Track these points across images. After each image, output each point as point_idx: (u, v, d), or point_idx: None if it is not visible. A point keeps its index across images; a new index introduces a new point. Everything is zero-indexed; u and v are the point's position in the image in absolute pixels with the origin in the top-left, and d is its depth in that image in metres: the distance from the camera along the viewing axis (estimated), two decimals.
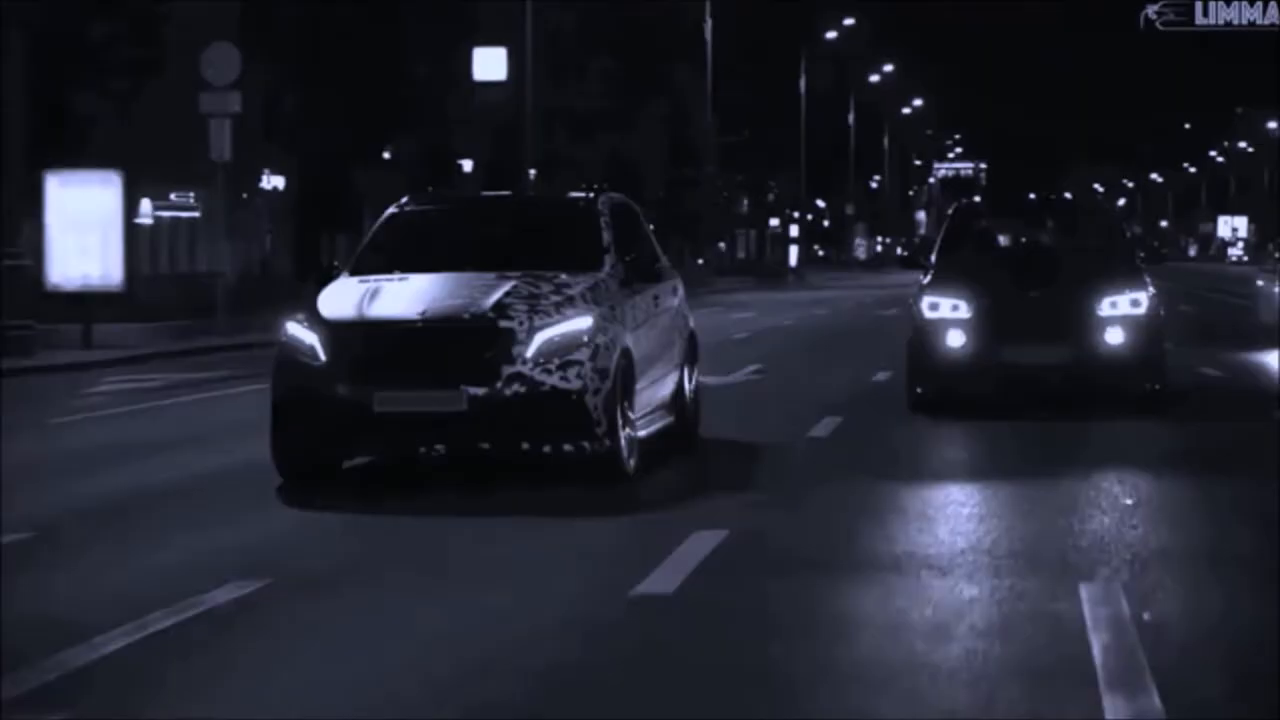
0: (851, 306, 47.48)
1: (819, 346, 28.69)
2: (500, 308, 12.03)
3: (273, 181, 52.37)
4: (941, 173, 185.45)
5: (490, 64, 50.61)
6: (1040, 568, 9.11)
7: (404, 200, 14.26)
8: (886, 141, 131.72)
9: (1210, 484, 12.32)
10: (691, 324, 15.07)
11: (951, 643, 7.49)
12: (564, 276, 12.52)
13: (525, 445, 11.83)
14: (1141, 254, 18.69)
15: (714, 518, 10.69)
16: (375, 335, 12.08)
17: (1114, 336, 16.50)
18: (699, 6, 71.35)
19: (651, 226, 15.19)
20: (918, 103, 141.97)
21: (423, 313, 12.03)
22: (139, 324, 30.42)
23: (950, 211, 19.88)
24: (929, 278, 17.30)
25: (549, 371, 11.79)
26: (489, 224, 14.12)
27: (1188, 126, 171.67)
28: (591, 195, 14.02)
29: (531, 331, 11.88)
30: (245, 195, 48.98)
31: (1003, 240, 19.75)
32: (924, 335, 16.78)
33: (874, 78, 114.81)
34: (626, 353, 12.42)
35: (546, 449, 11.85)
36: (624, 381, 12.35)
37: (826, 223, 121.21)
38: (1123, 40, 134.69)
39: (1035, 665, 7.16)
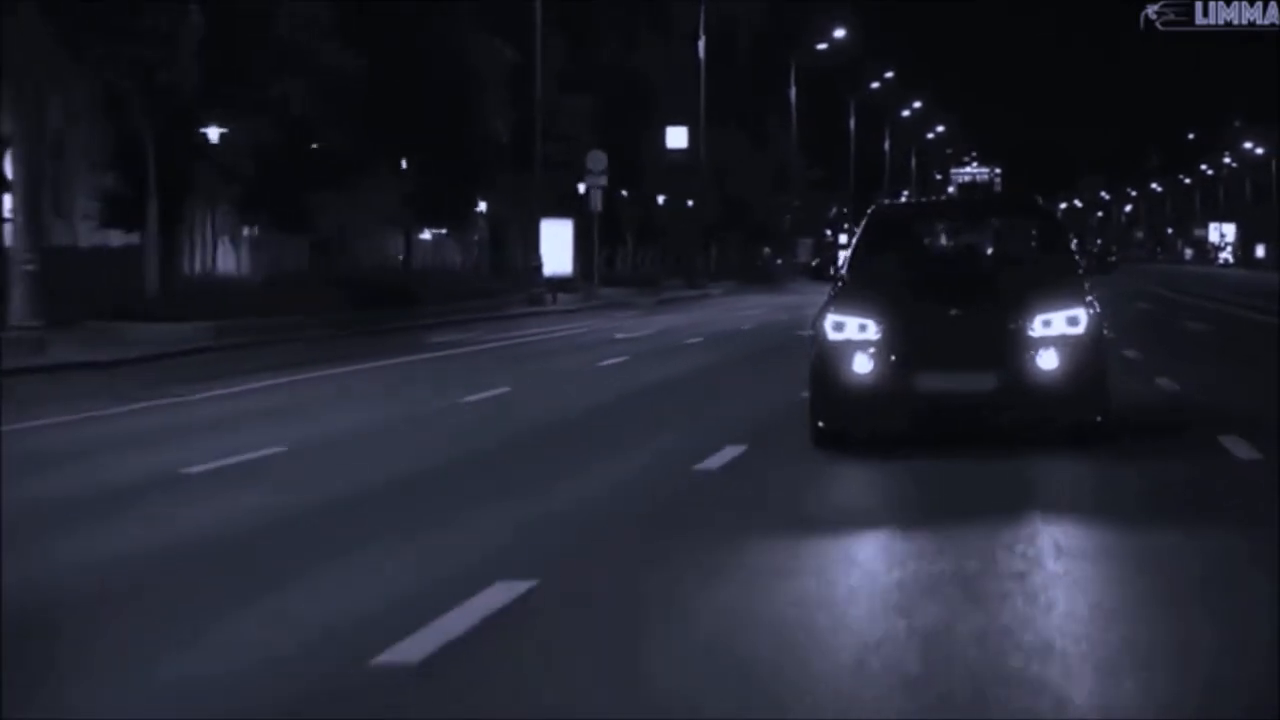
0: None
1: None
2: None
3: None
4: (959, 179, 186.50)
5: (677, 137, 78.12)
6: None
7: None
8: (914, 162, 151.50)
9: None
10: None
11: None
12: None
13: None
14: (1083, 262, 15.80)
15: None
16: None
17: (1048, 361, 13.73)
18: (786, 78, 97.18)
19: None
20: (940, 129, 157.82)
21: None
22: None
23: (868, 213, 16.83)
24: (835, 292, 14.71)
25: None
26: None
27: (1191, 136, 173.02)
28: None
29: None
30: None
31: (926, 248, 17.34)
32: (826, 360, 14.01)
33: (905, 113, 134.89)
34: None
35: None
36: None
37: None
38: (1131, 48, 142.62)
39: None
